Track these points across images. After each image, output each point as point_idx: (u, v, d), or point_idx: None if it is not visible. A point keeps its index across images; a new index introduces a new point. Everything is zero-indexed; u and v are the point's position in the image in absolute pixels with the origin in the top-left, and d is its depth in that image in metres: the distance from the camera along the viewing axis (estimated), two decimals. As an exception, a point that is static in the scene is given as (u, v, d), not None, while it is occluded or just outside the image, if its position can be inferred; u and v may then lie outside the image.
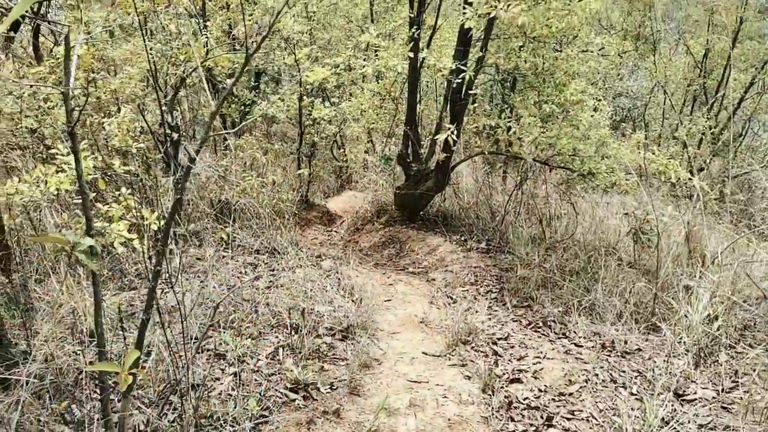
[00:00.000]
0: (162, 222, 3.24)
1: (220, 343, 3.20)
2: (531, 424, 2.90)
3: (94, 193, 4.28)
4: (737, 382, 3.18)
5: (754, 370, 3.20)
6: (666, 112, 10.59)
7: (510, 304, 4.51)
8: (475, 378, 3.31)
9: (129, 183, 4.56)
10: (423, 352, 3.65)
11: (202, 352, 3.11)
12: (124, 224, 3.11)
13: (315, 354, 3.38)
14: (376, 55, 7.11)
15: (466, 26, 4.87)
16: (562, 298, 4.46)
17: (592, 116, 5.65)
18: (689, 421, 2.83)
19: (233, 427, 2.55)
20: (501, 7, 3.89)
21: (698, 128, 8.97)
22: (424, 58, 5.80)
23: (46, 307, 3.06)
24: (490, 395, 3.13)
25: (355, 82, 8.47)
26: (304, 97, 7.25)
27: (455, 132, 5.04)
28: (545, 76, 5.82)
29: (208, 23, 5.55)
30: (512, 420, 2.93)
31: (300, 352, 3.31)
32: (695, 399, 3.05)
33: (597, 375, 3.33)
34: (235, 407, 2.65)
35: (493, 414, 2.96)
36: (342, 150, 9.21)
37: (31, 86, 4.17)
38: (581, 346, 3.76)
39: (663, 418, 2.82)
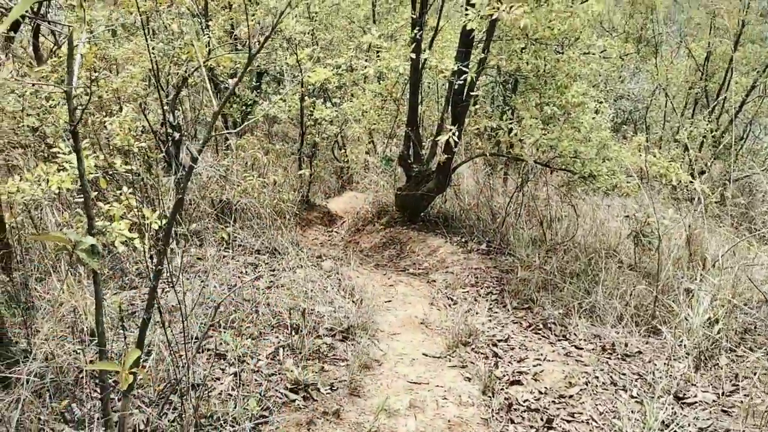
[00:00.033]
0: (163, 221, 3.24)
1: (221, 343, 3.20)
2: (531, 426, 2.90)
3: (96, 192, 4.28)
4: (737, 385, 3.18)
5: (755, 374, 3.20)
6: (667, 115, 10.59)
7: (510, 305, 4.51)
8: (475, 379, 3.31)
9: (130, 182, 4.56)
10: (423, 354, 3.65)
11: (203, 351, 3.11)
12: (125, 223, 3.11)
13: (315, 354, 3.37)
14: (378, 56, 7.11)
15: (468, 28, 4.87)
16: (562, 300, 4.46)
17: (593, 118, 5.65)
18: (689, 425, 2.83)
19: (233, 427, 2.55)
20: (503, 8, 3.88)
21: (699, 131, 8.97)
22: (426, 60, 5.80)
23: (46, 306, 3.07)
24: (490, 397, 3.12)
25: (356, 83, 8.47)
26: (306, 98, 7.25)
27: (457, 133, 5.03)
28: (547, 78, 5.82)
29: (210, 23, 5.56)
30: (512, 422, 2.93)
31: (300, 353, 3.31)
32: (695, 402, 3.04)
33: (597, 377, 3.33)
34: (235, 407, 2.65)
35: (493, 416, 2.96)
36: (343, 151, 9.21)
37: (33, 84, 4.17)
38: (581, 349, 3.76)
39: (663, 421, 2.82)
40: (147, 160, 5.05)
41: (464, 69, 5.16)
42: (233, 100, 7.47)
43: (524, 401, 3.10)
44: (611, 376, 3.35)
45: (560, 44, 6.56)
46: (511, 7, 3.83)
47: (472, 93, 5.47)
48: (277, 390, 2.94)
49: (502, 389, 3.20)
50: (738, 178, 8.74)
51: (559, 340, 3.92)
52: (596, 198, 6.89)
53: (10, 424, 2.14)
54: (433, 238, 6.16)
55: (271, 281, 4.28)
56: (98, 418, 2.26)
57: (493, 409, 3.01)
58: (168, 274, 2.83)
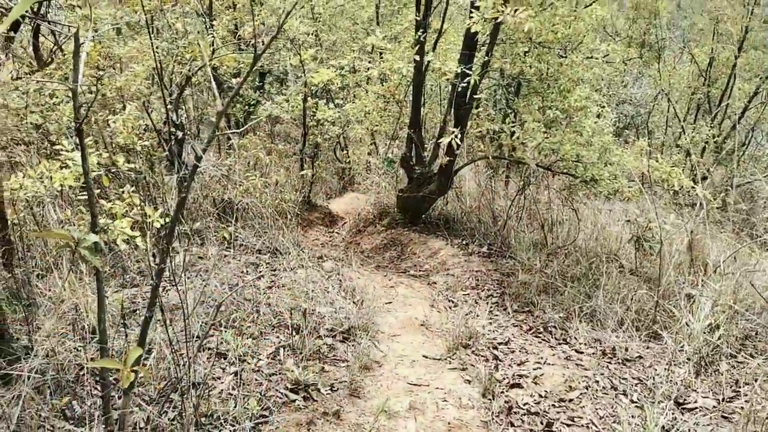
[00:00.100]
0: (165, 220, 3.24)
1: (221, 342, 3.20)
2: (531, 430, 2.89)
3: (98, 190, 4.28)
4: (738, 391, 3.17)
5: (756, 380, 3.20)
6: (669, 120, 10.60)
7: (511, 308, 4.51)
8: (475, 382, 3.31)
9: (133, 181, 4.56)
10: (423, 355, 3.65)
11: (203, 350, 3.11)
12: (127, 221, 3.12)
13: (316, 355, 3.37)
14: (381, 58, 7.12)
15: (472, 30, 4.88)
16: (563, 303, 4.46)
17: (595, 122, 5.66)
18: (689, 430, 2.82)
19: (233, 426, 2.55)
20: (508, 12, 3.89)
21: (701, 137, 8.98)
22: (429, 62, 5.81)
23: (48, 303, 3.07)
24: (490, 400, 3.12)
25: (359, 84, 8.48)
26: (309, 98, 7.26)
27: (459, 136, 5.04)
28: (550, 82, 5.83)
29: (214, 22, 5.57)
30: (512, 425, 2.93)
31: (301, 353, 3.31)
32: (696, 408, 3.04)
33: (597, 382, 3.33)
34: (235, 406, 2.65)
35: (493, 419, 2.96)
36: (345, 151, 9.22)
37: (38, 82, 4.17)
38: (582, 353, 3.76)
39: (663, 427, 2.82)
40: (150, 159, 5.06)
41: (467, 72, 5.16)
42: (236, 100, 7.48)
43: (524, 404, 3.10)
44: (611, 381, 3.34)
45: (563, 48, 6.56)
46: (515, 11, 3.83)
47: (475, 96, 5.48)
48: (277, 390, 2.94)
49: (502, 392, 3.20)
50: (740, 184, 8.74)
51: (560, 344, 3.91)
52: (597, 202, 6.89)
53: (11, 421, 2.14)
54: (434, 240, 6.16)
55: (272, 281, 4.28)
56: (99, 416, 2.26)
57: (493, 412, 3.00)
58: (170, 273, 2.84)
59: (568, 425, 2.93)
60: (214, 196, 5.54)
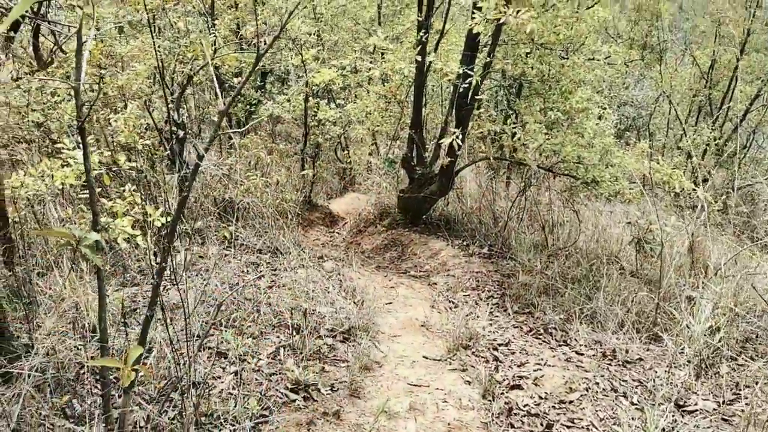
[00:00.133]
0: (166, 219, 3.24)
1: (222, 342, 3.19)
2: (531, 431, 2.89)
3: (99, 189, 4.28)
4: (738, 394, 3.17)
5: (756, 383, 3.19)
6: (671, 122, 10.59)
7: (511, 310, 4.51)
8: (475, 383, 3.30)
9: (134, 179, 4.56)
10: (424, 356, 3.65)
11: (204, 350, 3.11)
12: (128, 220, 3.12)
13: (316, 355, 3.37)
14: (383, 58, 7.12)
15: (474, 31, 4.88)
16: (563, 305, 4.46)
17: (596, 124, 5.65)
18: (690, 432, 2.82)
19: (233, 425, 2.55)
20: (510, 13, 3.89)
21: (703, 139, 8.97)
22: (431, 62, 5.81)
23: (48, 301, 3.07)
24: (490, 401, 3.12)
25: (361, 85, 8.48)
26: (310, 98, 7.26)
27: (460, 136, 5.04)
28: (551, 83, 5.83)
29: (216, 22, 5.57)
30: (512, 426, 2.93)
31: (301, 353, 3.30)
32: (696, 410, 3.04)
33: (598, 383, 3.32)
34: (235, 406, 2.65)
35: (493, 420, 2.96)
36: (346, 152, 9.22)
37: (40, 80, 4.17)
38: (582, 354, 3.75)
39: (663, 429, 2.81)
40: (151, 158, 5.05)
41: (469, 72, 5.16)
42: (238, 100, 7.48)
43: (524, 406, 3.10)
44: (612, 383, 3.34)
45: (565, 50, 6.57)
46: (518, 12, 3.83)
47: (476, 97, 5.48)
48: (277, 390, 2.94)
49: (502, 393, 3.20)
50: (741, 186, 8.74)
51: (560, 346, 3.91)
52: (598, 204, 6.88)
53: (11, 419, 2.14)
54: (435, 241, 6.16)
55: (273, 281, 4.28)
56: (99, 414, 2.26)
57: (493, 413, 3.00)
58: (171, 272, 2.84)
59: (568, 427, 2.93)
60: (215, 195, 5.54)
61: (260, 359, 3.18)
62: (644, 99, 11.09)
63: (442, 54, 6.20)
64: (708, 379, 3.35)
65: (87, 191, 2.38)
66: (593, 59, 6.54)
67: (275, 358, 3.24)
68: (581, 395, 3.20)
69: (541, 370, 3.49)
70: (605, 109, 6.07)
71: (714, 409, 3.04)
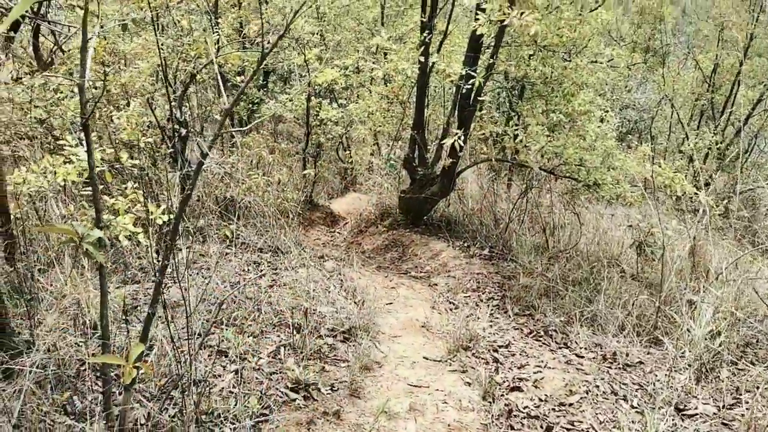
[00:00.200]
0: (168, 216, 3.24)
1: (222, 340, 3.19)
2: (531, 433, 2.89)
3: (101, 186, 4.28)
4: (739, 398, 3.17)
5: (757, 388, 3.19)
6: (673, 126, 10.59)
7: (512, 311, 4.51)
8: (475, 384, 3.30)
9: (136, 177, 4.56)
10: (424, 357, 3.65)
11: (204, 348, 3.10)
12: (129, 218, 3.11)
13: (316, 354, 3.37)
14: (386, 58, 7.12)
15: (477, 33, 4.88)
16: (564, 307, 4.45)
17: (599, 127, 5.65)
18: (690, 436, 2.82)
19: (234, 424, 2.55)
20: (514, 14, 3.89)
21: (705, 143, 8.97)
22: (433, 63, 5.81)
23: (49, 298, 3.07)
24: (490, 402, 3.12)
25: (363, 85, 8.48)
26: (313, 98, 7.26)
27: (462, 138, 5.04)
28: (554, 86, 5.83)
29: (219, 20, 5.57)
30: (512, 428, 2.93)
31: (301, 352, 3.30)
32: (696, 414, 3.04)
33: (598, 386, 3.32)
34: (236, 404, 2.65)
35: (492, 421, 2.96)
36: (348, 152, 9.22)
37: (44, 76, 4.18)
38: (582, 357, 3.75)
39: (663, 432, 2.81)
40: (153, 156, 5.06)
41: (472, 74, 5.16)
42: (240, 98, 7.47)
43: (524, 408, 3.10)
44: (612, 386, 3.34)
45: (568, 52, 6.57)
46: (521, 14, 3.83)
47: (479, 98, 5.48)
48: (277, 389, 2.94)
49: (502, 395, 3.20)
50: (742, 191, 8.74)
51: (560, 348, 3.91)
52: (599, 207, 6.89)
53: (12, 415, 2.14)
54: (436, 242, 6.16)
55: (274, 280, 4.28)
56: (99, 412, 2.26)
57: (493, 415, 3.00)
58: (172, 270, 2.84)
59: (568, 429, 2.93)
60: (216, 193, 5.54)
61: (261, 358, 3.18)
62: (646, 102, 11.09)
63: (445, 55, 6.20)
64: (708, 383, 3.35)
65: (89, 188, 2.38)
66: (596, 62, 6.54)
67: (276, 357, 3.24)
68: (581, 398, 3.20)
69: (541, 372, 3.49)
70: (607, 111, 6.07)
71: (714, 414, 3.04)
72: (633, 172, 5.54)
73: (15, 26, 5.66)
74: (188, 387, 2.46)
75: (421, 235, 6.43)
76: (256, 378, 2.97)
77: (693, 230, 5.12)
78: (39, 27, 5.37)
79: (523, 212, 6.29)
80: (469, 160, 6.87)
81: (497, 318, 4.38)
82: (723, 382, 3.30)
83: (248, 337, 3.31)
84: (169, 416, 2.45)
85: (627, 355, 3.71)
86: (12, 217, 3.08)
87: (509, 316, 4.43)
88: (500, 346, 3.84)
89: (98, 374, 2.55)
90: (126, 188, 3.39)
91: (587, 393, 3.25)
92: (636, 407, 3.12)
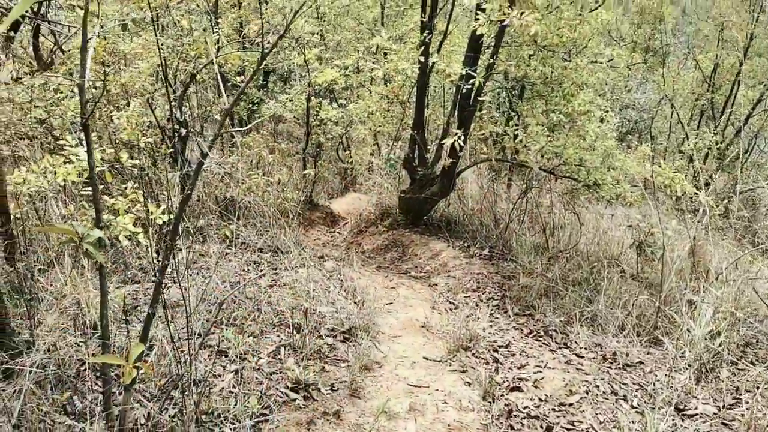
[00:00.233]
0: (168, 216, 3.24)
1: (222, 340, 3.19)
2: (531, 433, 2.89)
3: (101, 186, 4.28)
4: (738, 399, 3.17)
5: (757, 388, 3.19)
6: (673, 126, 10.59)
7: (512, 311, 4.51)
8: (475, 384, 3.30)
9: (136, 177, 4.56)
10: (424, 357, 3.65)
11: (204, 348, 3.10)
12: (129, 218, 3.11)
13: (316, 354, 3.37)
14: (386, 58, 7.12)
15: (477, 33, 4.88)
16: (564, 308, 4.45)
17: (598, 127, 5.65)
18: (690, 436, 2.82)
19: (234, 424, 2.55)
20: (514, 14, 3.89)
21: (705, 143, 8.98)
22: (433, 63, 5.81)
23: (49, 298, 3.07)
24: (490, 402, 3.12)
25: (363, 85, 8.48)
26: (312, 98, 7.26)
27: (462, 137, 5.04)
28: (554, 86, 5.83)
29: (219, 20, 5.57)
30: (512, 428, 2.93)
31: (301, 352, 3.30)
32: (696, 414, 3.04)
33: (598, 386, 3.32)
34: (235, 404, 2.65)
35: (492, 421, 2.96)
36: (348, 152, 9.22)
37: (44, 76, 4.18)
38: (582, 357, 3.75)
39: (663, 432, 2.81)
40: (153, 156, 5.06)
41: (472, 74, 5.16)
42: (240, 98, 7.47)
43: (524, 408, 3.10)
44: (612, 386, 3.34)
45: (568, 52, 6.57)
46: (522, 14, 3.83)
47: (479, 98, 5.48)
48: (277, 389, 2.94)
49: (502, 395, 3.20)
50: (742, 191, 8.74)
51: (560, 348, 3.91)
52: (599, 207, 6.89)
53: (12, 414, 2.14)
54: (436, 242, 6.16)
55: (274, 280, 4.28)
56: (99, 412, 2.26)
57: (493, 415, 3.00)
58: (172, 270, 2.84)
59: (568, 430, 2.93)
60: (216, 193, 5.54)
61: (261, 358, 3.18)
62: (646, 102, 11.09)
63: (445, 55, 6.20)
64: (708, 384, 3.35)
65: (88, 188, 2.38)
66: (596, 62, 6.54)
67: (276, 357, 3.24)
68: (581, 398, 3.20)
69: (541, 372, 3.49)
70: (607, 111, 6.07)
71: (714, 414, 3.04)
72: (633, 172, 5.54)
73: (15, 26, 5.66)
74: (188, 387, 2.46)
75: (421, 235, 6.43)
76: (256, 378, 2.97)
77: (693, 230, 5.12)
78: (39, 27, 5.36)
79: (523, 212, 6.29)
80: (469, 160, 6.87)
81: (497, 318, 4.38)
82: (723, 382, 3.30)
83: (248, 337, 3.31)
84: (169, 416, 2.45)
85: (627, 355, 3.71)
86: (12, 217, 3.08)
87: (509, 316, 4.43)
88: (500, 346, 3.84)
89: (98, 374, 2.55)
90: (126, 188, 3.39)
91: (587, 393, 3.25)
92: (636, 407, 3.12)
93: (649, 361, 3.66)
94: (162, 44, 4.61)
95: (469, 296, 4.83)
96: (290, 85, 9.82)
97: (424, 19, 5.80)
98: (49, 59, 5.50)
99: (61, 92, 4.59)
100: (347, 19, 8.88)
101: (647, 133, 10.90)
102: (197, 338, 2.97)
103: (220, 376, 2.92)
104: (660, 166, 5.43)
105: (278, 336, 3.47)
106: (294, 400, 2.89)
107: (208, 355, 3.06)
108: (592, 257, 5.41)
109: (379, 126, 7.42)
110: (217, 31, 5.17)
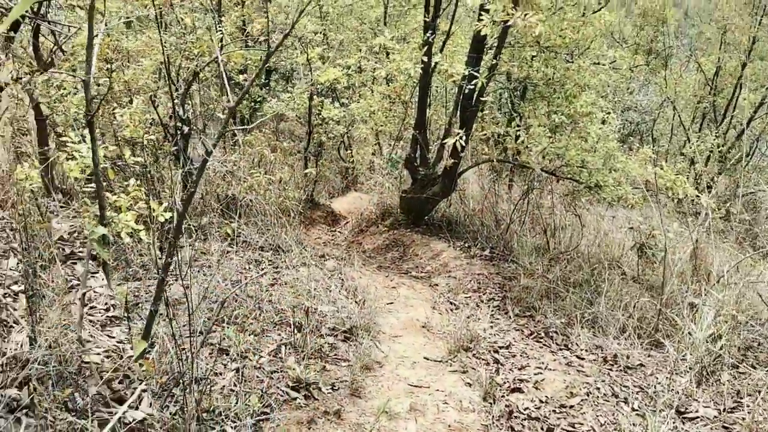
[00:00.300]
0: (170, 214, 3.24)
1: (224, 339, 3.19)
2: (531, 435, 2.89)
3: (104, 183, 4.28)
4: (740, 402, 3.17)
5: (758, 391, 3.19)
6: (674, 128, 10.59)
7: (512, 312, 4.51)
8: (476, 385, 3.30)
9: (138, 174, 4.56)
10: (424, 357, 3.65)
11: (206, 346, 3.10)
12: (131, 215, 3.11)
13: (317, 353, 3.37)
14: (388, 58, 7.12)
15: (481, 33, 4.87)
16: (564, 309, 4.45)
17: (600, 129, 5.66)
18: (690, 439, 2.82)
19: (234, 422, 2.55)
20: (518, 15, 3.89)
21: (706, 146, 8.97)
22: (436, 63, 5.81)
23: (51, 294, 3.06)
24: (490, 403, 3.12)
25: (365, 84, 8.48)
26: (314, 97, 7.26)
27: (464, 138, 5.04)
28: (556, 87, 5.83)
29: (222, 19, 5.57)
30: (512, 430, 2.93)
31: (302, 351, 3.30)
32: (697, 417, 3.04)
33: (598, 389, 3.32)
34: (236, 403, 2.65)
35: (493, 422, 2.96)
36: (349, 151, 9.22)
37: (48, 72, 4.17)
38: (583, 359, 3.75)
39: (664, 435, 2.81)
40: (155, 153, 5.06)
41: (474, 74, 5.16)
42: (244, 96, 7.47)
43: (525, 409, 3.10)
44: (612, 388, 3.34)
45: (570, 53, 6.57)
46: (525, 15, 3.83)
47: (481, 98, 5.48)
48: (278, 387, 2.94)
49: (502, 396, 3.20)
50: (744, 194, 8.73)
51: (561, 350, 3.91)
52: (600, 208, 6.89)
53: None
54: (437, 242, 6.15)
55: (275, 278, 4.28)
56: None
57: (493, 416, 3.00)
58: (174, 268, 2.84)
59: (569, 431, 2.93)
60: (218, 191, 5.54)
61: (262, 357, 3.18)
62: (648, 104, 11.09)
63: (448, 55, 6.20)
64: (709, 387, 3.35)
65: (91, 185, 2.38)
66: (598, 63, 6.54)
67: (277, 356, 3.24)
68: (582, 400, 3.20)
69: (541, 373, 3.49)
70: (609, 113, 6.08)
71: (715, 417, 3.04)
72: (634, 174, 5.54)
73: (15, 26, 5.65)
74: (189, 385, 2.45)
75: (422, 235, 6.43)
76: (257, 376, 2.97)
77: (694, 233, 5.11)
78: (39, 27, 5.35)
79: (524, 213, 6.29)
80: (470, 161, 6.87)
81: (498, 319, 4.38)
82: (724, 385, 3.30)
83: (249, 335, 3.31)
84: (170, 414, 2.45)
85: (628, 357, 3.71)
86: (15, 213, 3.08)
87: (510, 317, 4.43)
88: (501, 347, 3.84)
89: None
90: (128, 185, 3.39)
91: (588, 395, 3.25)
92: (637, 410, 3.12)
93: (650, 364, 3.66)
94: (165, 42, 4.61)
95: (470, 297, 4.83)
96: (292, 83, 9.81)
97: (427, 20, 5.80)
98: (49, 59, 5.49)
99: (64, 89, 4.59)
100: (350, 19, 8.88)
101: (649, 135, 10.90)
102: (199, 336, 2.97)
103: (221, 374, 2.92)
104: (662, 169, 5.43)
105: (279, 335, 3.46)
106: (295, 399, 2.89)
107: (210, 353, 3.06)
108: (593, 259, 5.40)
109: (381, 125, 7.43)
110: (220, 30, 5.17)
